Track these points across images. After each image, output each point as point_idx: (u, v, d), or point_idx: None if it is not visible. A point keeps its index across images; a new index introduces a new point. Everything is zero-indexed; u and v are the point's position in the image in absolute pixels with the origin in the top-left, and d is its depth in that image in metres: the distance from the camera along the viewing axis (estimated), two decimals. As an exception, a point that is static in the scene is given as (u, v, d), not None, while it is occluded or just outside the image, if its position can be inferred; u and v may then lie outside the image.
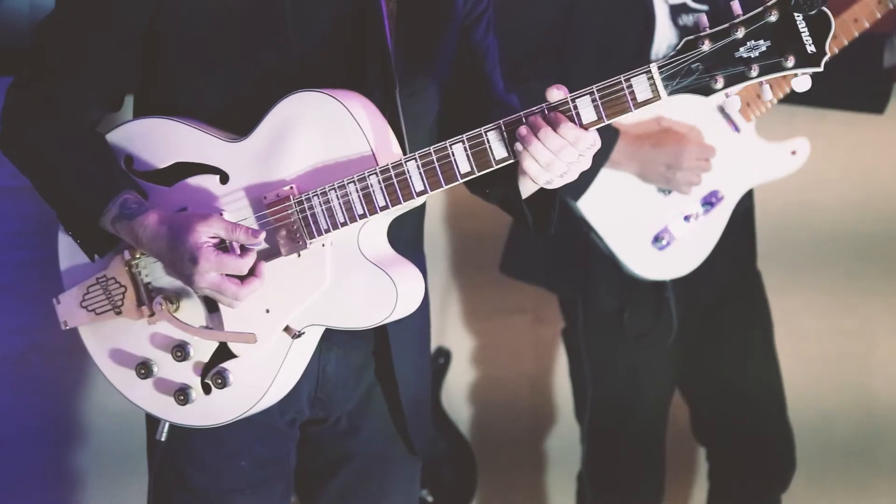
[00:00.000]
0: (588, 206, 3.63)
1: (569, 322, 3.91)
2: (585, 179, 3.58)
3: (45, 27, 2.57)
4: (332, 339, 2.59)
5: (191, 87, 2.54)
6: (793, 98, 3.68)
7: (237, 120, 2.50)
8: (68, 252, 2.64)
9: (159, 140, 2.55)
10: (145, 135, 2.56)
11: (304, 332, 2.50)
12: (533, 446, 4.81)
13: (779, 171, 3.79)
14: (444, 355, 4.62)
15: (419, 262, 2.68)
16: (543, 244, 3.80)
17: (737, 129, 3.71)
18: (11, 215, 3.76)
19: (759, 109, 3.69)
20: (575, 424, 4.02)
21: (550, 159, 2.33)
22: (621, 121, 3.53)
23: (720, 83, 2.27)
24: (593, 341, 3.80)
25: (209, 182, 2.52)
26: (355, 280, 2.46)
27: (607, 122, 2.32)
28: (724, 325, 3.89)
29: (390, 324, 2.57)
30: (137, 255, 2.54)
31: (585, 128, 2.32)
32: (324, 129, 2.44)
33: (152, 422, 2.67)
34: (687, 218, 3.67)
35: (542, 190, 2.52)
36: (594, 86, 2.31)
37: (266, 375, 2.53)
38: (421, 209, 2.74)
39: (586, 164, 2.39)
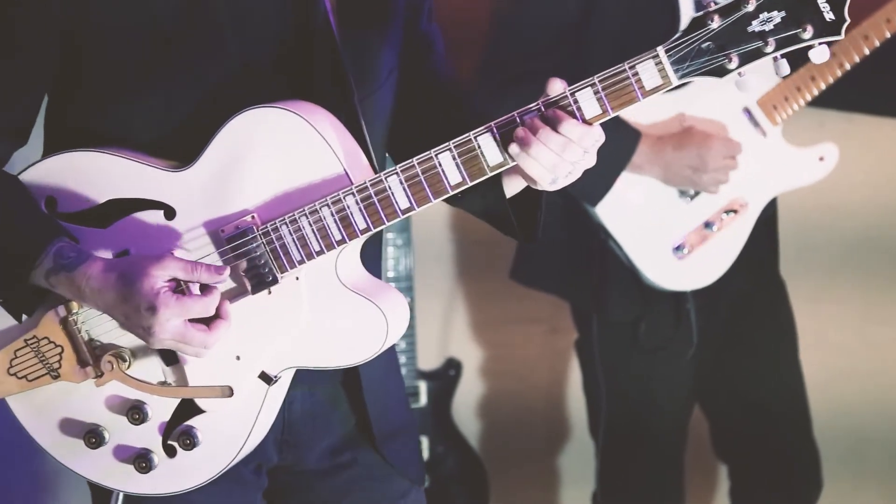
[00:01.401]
0: (606, 212, 3.57)
1: (582, 333, 3.85)
2: (604, 184, 3.52)
3: None
4: (296, 375, 2.38)
5: (118, 112, 2.30)
6: (820, 101, 3.63)
7: (176, 146, 2.28)
8: None
9: (87, 175, 2.28)
10: (69, 171, 2.29)
11: (280, 377, 2.31)
12: (547, 463, 4.77)
13: (806, 178, 3.73)
14: (454, 366, 4.54)
15: (379, 275, 2.49)
16: (556, 250, 3.73)
17: (763, 132, 3.66)
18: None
19: (785, 112, 3.64)
20: (591, 440, 3.96)
21: (555, 161, 2.19)
22: (640, 121, 3.53)
23: (734, 62, 2.13)
24: (607, 353, 3.73)
25: (153, 218, 2.28)
26: (338, 314, 2.28)
27: (613, 115, 2.18)
28: (745, 336, 3.83)
29: None
30: (76, 310, 2.29)
31: (589, 123, 2.18)
32: (284, 148, 2.23)
33: (99, 493, 2.41)
34: (709, 225, 3.61)
35: (525, 191, 2.36)
36: (595, 76, 2.17)
37: (241, 430, 2.32)
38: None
39: (591, 161, 2.23)
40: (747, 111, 3.64)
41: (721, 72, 2.14)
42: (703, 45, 2.13)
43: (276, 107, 2.23)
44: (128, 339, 2.29)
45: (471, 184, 2.23)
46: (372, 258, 2.44)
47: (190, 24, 2.27)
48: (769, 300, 3.86)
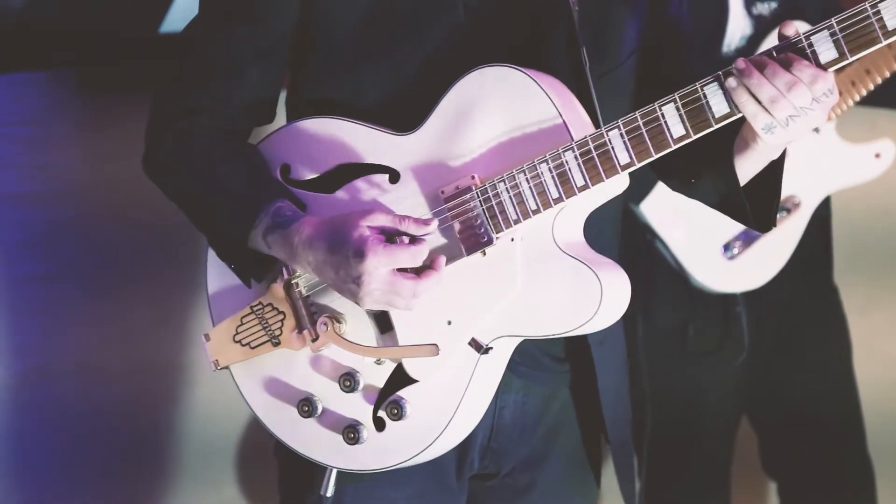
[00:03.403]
0: (652, 211, 3.57)
1: (626, 339, 3.78)
2: (647, 181, 3.48)
3: (190, 29, 2.45)
4: (512, 372, 2.38)
5: (350, 79, 2.39)
6: (874, 99, 3.60)
7: (404, 109, 2.34)
8: (217, 280, 2.48)
9: (318, 142, 2.39)
10: (302, 138, 2.40)
11: (492, 347, 2.29)
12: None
13: (861, 176, 3.72)
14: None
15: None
16: (599, 251, 3.66)
17: (816, 129, 3.59)
18: (12, 224, 3.67)
19: (839, 108, 3.64)
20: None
21: (775, 96, 2.12)
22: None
23: None
24: (654, 359, 3.70)
25: (377, 182, 2.35)
26: (551, 278, 2.26)
27: (851, 60, 2.11)
28: (796, 345, 3.79)
29: (595, 349, 2.41)
30: (298, 272, 2.37)
31: (824, 68, 2.12)
32: (507, 105, 2.27)
33: (304, 476, 2.45)
34: (761, 224, 3.56)
35: (764, 173, 2.34)
36: (832, 18, 2.11)
37: (450, 401, 2.31)
38: (617, 210, 2.55)
39: (820, 117, 2.17)
40: (799, 106, 3.61)
41: None
42: None
43: (501, 65, 2.27)
44: (344, 305, 2.35)
45: (694, 137, 2.20)
46: (607, 244, 2.44)
47: None
48: (821, 307, 3.83)
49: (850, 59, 2.10)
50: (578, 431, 2.55)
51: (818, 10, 3.65)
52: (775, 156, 2.32)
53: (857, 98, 3.60)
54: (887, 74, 3.59)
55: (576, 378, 2.50)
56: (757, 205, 2.37)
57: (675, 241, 3.56)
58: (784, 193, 3.50)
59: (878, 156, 3.69)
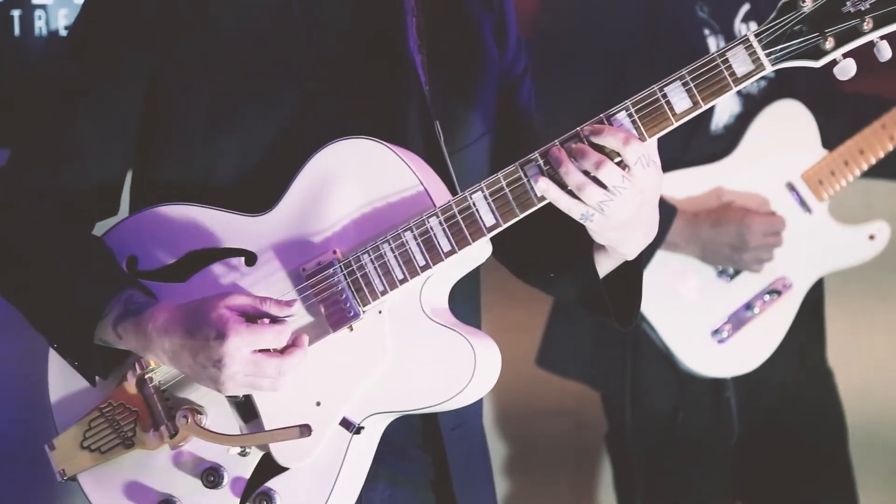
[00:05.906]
0: None
1: (613, 425, 3.81)
2: (638, 262, 3.48)
3: (33, 108, 2.41)
4: (379, 463, 2.33)
5: (201, 159, 2.37)
6: (871, 172, 3.61)
7: (258, 191, 2.33)
8: (61, 384, 2.39)
9: (166, 231, 2.34)
10: (148, 228, 2.36)
11: (364, 427, 2.26)
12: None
13: (855, 258, 3.72)
14: (474, 462, 4.45)
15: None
16: (586, 334, 3.71)
17: (808, 209, 3.65)
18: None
19: (832, 188, 3.64)
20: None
21: (581, 182, 2.15)
22: (675, 196, 3.50)
23: (830, 43, 2.13)
24: (642, 446, 3.68)
25: (233, 266, 2.31)
26: (422, 348, 2.25)
27: (705, 108, 2.17)
28: (790, 431, 3.78)
29: (447, 436, 2.39)
30: (151, 365, 2.30)
31: (678, 117, 2.16)
32: (365, 177, 2.27)
33: None
34: (750, 307, 3.59)
35: (623, 268, 2.35)
36: (684, 69, 2.17)
37: (322, 487, 2.26)
38: (476, 281, 2.53)
39: (630, 199, 2.17)
40: (791, 186, 3.64)
41: (817, 53, 2.14)
42: (796, 28, 2.14)
43: (354, 137, 2.28)
44: (204, 397, 2.30)
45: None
46: (470, 315, 2.43)
47: (271, 65, 2.35)
48: (816, 390, 3.81)
49: (704, 107, 2.16)
50: None
51: (809, 89, 3.68)
52: (629, 257, 2.33)
53: (851, 178, 3.61)
54: (881, 155, 3.61)
55: (434, 470, 2.46)
56: (617, 300, 2.37)
57: (663, 325, 3.56)
58: (775, 275, 3.58)
59: (872, 237, 3.69)
